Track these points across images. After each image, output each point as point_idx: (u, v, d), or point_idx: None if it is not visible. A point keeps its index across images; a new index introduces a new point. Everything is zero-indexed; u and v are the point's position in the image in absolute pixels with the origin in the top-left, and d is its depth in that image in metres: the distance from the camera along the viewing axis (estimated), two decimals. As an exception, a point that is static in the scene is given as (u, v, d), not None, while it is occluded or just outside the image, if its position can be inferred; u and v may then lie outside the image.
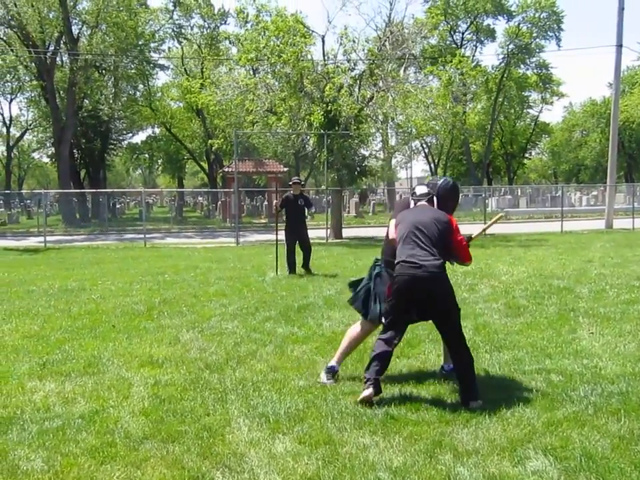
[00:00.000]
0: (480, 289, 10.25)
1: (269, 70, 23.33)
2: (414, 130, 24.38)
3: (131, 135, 57.58)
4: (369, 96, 23.00)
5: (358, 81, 24.52)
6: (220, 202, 40.96)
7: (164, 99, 54.29)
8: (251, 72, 27.18)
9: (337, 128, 21.73)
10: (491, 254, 16.36)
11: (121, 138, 54.75)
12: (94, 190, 38.28)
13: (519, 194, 49.69)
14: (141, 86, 49.14)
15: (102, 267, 14.68)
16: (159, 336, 7.32)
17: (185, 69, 48.96)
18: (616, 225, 27.42)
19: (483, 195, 46.78)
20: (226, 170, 37.61)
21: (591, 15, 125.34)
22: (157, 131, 58.43)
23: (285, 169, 40.68)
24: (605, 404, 4.76)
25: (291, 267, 12.46)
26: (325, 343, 6.83)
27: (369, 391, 4.87)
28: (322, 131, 21.85)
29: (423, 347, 6.61)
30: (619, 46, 28.05)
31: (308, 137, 25.13)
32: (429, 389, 5.20)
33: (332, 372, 5.55)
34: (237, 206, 23.53)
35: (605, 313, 8.08)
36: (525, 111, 65.73)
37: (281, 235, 12.82)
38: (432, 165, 63.57)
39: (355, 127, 21.56)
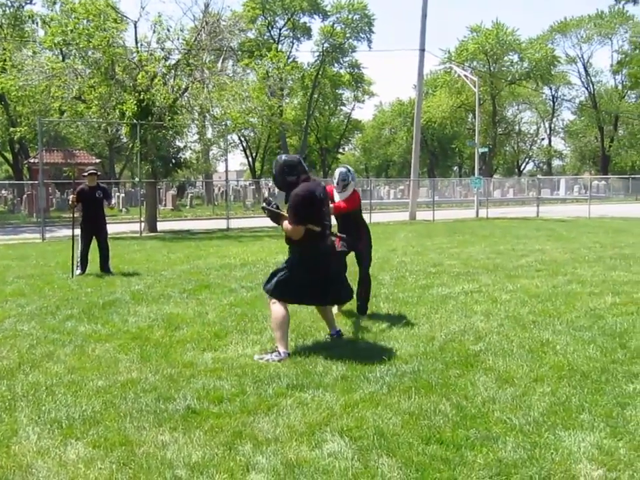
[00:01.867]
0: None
1: (77, 55, 21.97)
2: (229, 122, 24.27)
3: None
4: (184, 86, 22.51)
5: (173, 71, 23.92)
6: (26, 195, 38.05)
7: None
8: (60, 56, 25.47)
9: (150, 118, 21.03)
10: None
11: None
12: None
13: (333, 187, 51.46)
14: None
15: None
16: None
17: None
18: (419, 217, 29.30)
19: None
20: (32, 161, 35.06)
21: (399, 19, 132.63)
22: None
23: (98, 161, 38.78)
24: (399, 383, 5.00)
25: (84, 265, 11.48)
26: (129, 340, 6.54)
27: None
28: (135, 121, 21.05)
29: (230, 337, 6.55)
30: (422, 50, 29.95)
31: (121, 127, 24.07)
32: (232, 380, 5.14)
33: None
34: (43, 199, 21.96)
35: (403, 298, 8.54)
36: (338, 107, 68.42)
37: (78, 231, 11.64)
38: (250, 159, 63.88)
39: (170, 118, 20.99)
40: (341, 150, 73.67)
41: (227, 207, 26.35)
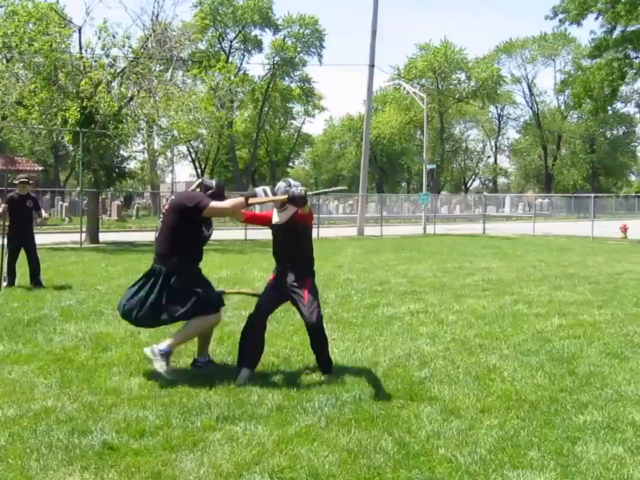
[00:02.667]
0: (228, 297, 9.95)
1: (18, 59, 21.10)
2: (175, 133, 23.72)
3: None
4: (129, 95, 21.87)
5: (119, 78, 23.25)
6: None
7: None
8: (4, 60, 24.50)
9: (93, 126, 20.30)
10: (249, 259, 16.31)
11: None
12: None
13: (282, 201, 51.04)
14: None
15: None
16: None
17: None
18: (367, 232, 29.18)
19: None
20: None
21: (351, 35, 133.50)
22: None
23: (40, 168, 37.51)
24: (338, 414, 4.64)
25: (11, 278, 10.80)
26: (51, 362, 6.01)
27: None
28: (77, 128, 20.30)
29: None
30: (371, 66, 29.99)
31: (63, 134, 23.22)
32: (157, 410, 4.69)
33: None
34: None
35: (347, 318, 8.22)
36: (289, 121, 68.24)
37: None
38: (199, 170, 62.97)
39: (114, 127, 20.31)
40: (290, 164, 73.43)
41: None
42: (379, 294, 10.31)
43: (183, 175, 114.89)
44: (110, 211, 41.04)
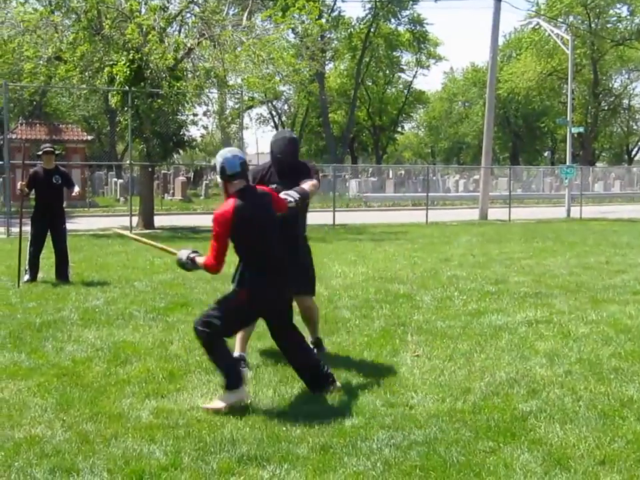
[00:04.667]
0: (298, 297, 9.83)
1: (54, 4, 21.78)
2: (245, 91, 23.91)
3: None
4: (189, 45, 22.17)
5: (178, 25, 23.64)
6: (1, 179, 38.43)
7: None
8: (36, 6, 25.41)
9: (143, 84, 20.71)
10: (331, 250, 16.16)
11: None
12: None
13: (388, 176, 50.74)
14: None
15: None
16: None
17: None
18: (492, 216, 28.46)
19: (345, 176, 47.49)
20: (11, 137, 35.27)
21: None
22: None
23: (89, 137, 38.82)
24: (402, 459, 4.36)
25: (33, 272, 11.06)
26: (54, 377, 6.04)
27: None
28: (126, 87, 20.76)
29: (188, 379, 5.99)
30: (498, 0, 29.08)
31: (109, 95, 23.83)
32: (167, 444, 4.57)
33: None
34: (9, 186, 21.82)
35: (441, 328, 7.89)
36: (396, 75, 67.43)
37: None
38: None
39: (168, 84, 20.62)
40: (399, 128, 72.71)
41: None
42: (489, 297, 9.89)
43: (265, 144, 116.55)
44: (173, 189, 42.04)
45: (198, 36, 21.85)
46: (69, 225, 21.54)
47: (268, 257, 5.52)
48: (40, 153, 11.22)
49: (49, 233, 11.22)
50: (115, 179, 43.29)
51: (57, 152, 11.29)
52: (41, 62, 21.97)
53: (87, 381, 5.98)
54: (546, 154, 79.66)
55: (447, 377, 6.06)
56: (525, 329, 7.88)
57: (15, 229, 21.16)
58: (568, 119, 33.54)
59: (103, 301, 9.49)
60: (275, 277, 5.51)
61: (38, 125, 38.15)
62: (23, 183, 10.87)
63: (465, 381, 5.95)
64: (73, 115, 52.69)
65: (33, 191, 11.18)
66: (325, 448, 4.53)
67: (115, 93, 21.73)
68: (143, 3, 21.52)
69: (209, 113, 24.23)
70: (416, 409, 5.26)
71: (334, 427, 4.87)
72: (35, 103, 43.43)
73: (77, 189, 11.41)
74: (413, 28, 60.57)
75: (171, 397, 5.59)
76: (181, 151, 24.05)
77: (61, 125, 38.97)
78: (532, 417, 5.09)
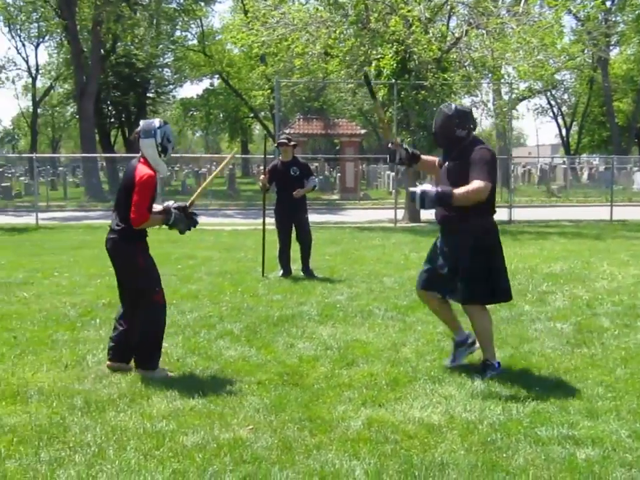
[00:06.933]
0: (553, 300, 9.01)
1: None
2: (515, 79, 22.92)
3: (174, 87, 58.09)
4: (456, 35, 21.66)
5: (447, 14, 23.25)
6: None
7: (220, 43, 53.88)
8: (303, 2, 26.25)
9: (407, 76, 20.53)
10: (603, 248, 14.85)
11: (164, 90, 55.03)
12: (124, 154, 38.24)
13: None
14: (193, 27, 49.55)
15: (78, 253, 14.19)
16: (58, 354, 6.57)
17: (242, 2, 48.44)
18: None
19: (629, 169, 44.20)
20: (287, 132, 36.93)
21: None
22: (216, 82, 58.45)
23: (362, 131, 39.57)
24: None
25: (286, 266, 11.01)
26: (277, 376, 5.88)
27: None
28: (393, 79, 20.74)
29: (411, 387, 5.56)
30: None
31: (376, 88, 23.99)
32: (369, 459, 4.18)
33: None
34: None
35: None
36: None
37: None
38: (563, 130, 60.66)
39: (433, 76, 20.23)
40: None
41: (508, 191, 24.76)
42: None
43: (546, 134, 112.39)
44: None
45: (465, 25, 21.26)
46: (336, 217, 22.01)
47: None
48: (276, 144, 11.19)
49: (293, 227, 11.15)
50: (388, 172, 43.80)
51: (292, 142, 11.02)
52: (309, 58, 22.62)
53: (308, 382, 5.76)
54: None
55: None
56: None
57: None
58: None
59: (346, 297, 9.32)
60: None
61: (314, 120, 39.60)
62: (264, 178, 10.88)
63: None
64: (348, 109, 54.09)
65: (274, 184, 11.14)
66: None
67: (381, 86, 21.81)
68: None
69: (477, 104, 23.63)
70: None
71: (565, 458, 4.20)
72: (304, 98, 45.24)
73: (311, 184, 11.03)
74: None
75: (389, 406, 5.19)
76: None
77: (335, 120, 40.16)
78: None
